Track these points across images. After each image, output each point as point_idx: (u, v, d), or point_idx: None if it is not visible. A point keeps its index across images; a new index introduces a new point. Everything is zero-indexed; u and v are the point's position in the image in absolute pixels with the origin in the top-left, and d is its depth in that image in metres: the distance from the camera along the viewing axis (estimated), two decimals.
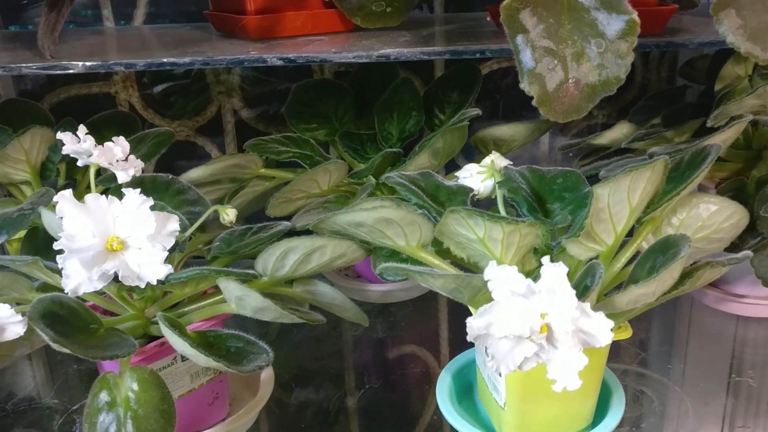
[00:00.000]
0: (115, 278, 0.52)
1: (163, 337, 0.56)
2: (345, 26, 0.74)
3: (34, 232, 0.68)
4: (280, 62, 0.61)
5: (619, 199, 0.52)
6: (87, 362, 0.76)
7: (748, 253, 0.56)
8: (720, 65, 0.77)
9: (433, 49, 0.62)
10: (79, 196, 0.52)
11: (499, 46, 0.62)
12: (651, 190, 0.54)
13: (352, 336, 0.83)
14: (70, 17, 0.92)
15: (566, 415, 0.57)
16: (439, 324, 0.85)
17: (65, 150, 0.59)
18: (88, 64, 0.61)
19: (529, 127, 0.82)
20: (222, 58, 0.62)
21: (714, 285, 0.83)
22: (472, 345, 0.65)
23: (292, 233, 0.60)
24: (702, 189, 0.77)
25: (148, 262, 0.52)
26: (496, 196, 0.58)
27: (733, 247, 0.61)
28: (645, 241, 0.58)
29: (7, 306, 0.51)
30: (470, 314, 0.47)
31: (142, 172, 0.62)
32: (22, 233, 0.68)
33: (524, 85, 0.52)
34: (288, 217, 0.74)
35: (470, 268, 0.56)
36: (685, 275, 0.54)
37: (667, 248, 0.52)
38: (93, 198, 0.52)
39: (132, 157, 0.61)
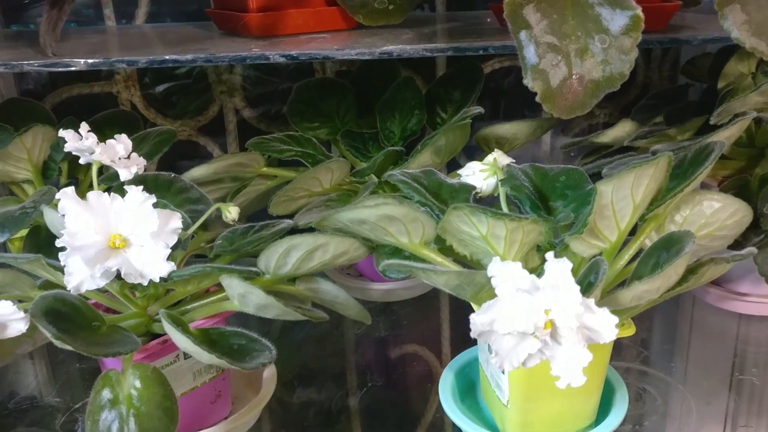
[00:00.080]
0: (118, 276, 0.52)
1: (165, 334, 0.56)
2: (347, 24, 0.74)
3: (36, 230, 0.68)
4: (282, 59, 0.61)
5: (622, 196, 0.52)
6: (89, 361, 0.76)
7: (753, 249, 0.55)
8: (722, 63, 0.77)
9: (435, 46, 0.62)
10: (81, 195, 0.52)
11: (502, 42, 0.62)
12: (654, 187, 0.54)
13: (355, 334, 0.83)
14: (72, 16, 0.92)
15: (570, 412, 0.57)
16: (441, 322, 0.85)
17: (67, 147, 0.59)
18: (90, 61, 0.61)
19: (531, 125, 0.82)
20: (224, 55, 0.62)
21: (716, 283, 0.83)
22: (474, 343, 0.65)
23: (294, 231, 0.60)
24: (705, 187, 0.77)
25: (150, 259, 0.52)
26: (498, 194, 0.58)
27: (737, 244, 0.61)
28: (648, 239, 0.57)
29: (10, 303, 0.51)
30: (472, 312, 0.47)
31: (144, 171, 0.62)
32: (24, 232, 0.68)
33: (528, 81, 0.52)
34: (290, 216, 0.74)
35: (473, 265, 0.56)
36: (689, 271, 0.54)
37: (670, 245, 0.52)
38: (95, 195, 0.52)
39: (134, 154, 0.61)
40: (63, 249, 0.50)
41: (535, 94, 0.53)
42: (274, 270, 0.58)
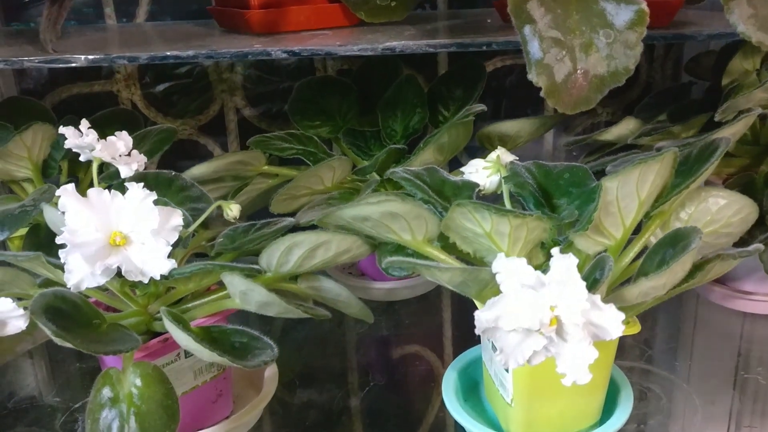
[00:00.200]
0: (118, 273, 0.51)
1: (166, 333, 0.56)
2: (349, 21, 0.73)
3: (36, 229, 0.68)
4: (284, 55, 0.60)
5: (628, 192, 0.52)
6: (89, 360, 0.75)
7: (760, 245, 0.55)
8: (726, 61, 0.77)
9: (439, 42, 0.62)
10: (82, 193, 0.51)
11: (506, 38, 0.62)
12: (660, 184, 0.54)
13: (357, 334, 0.82)
14: (72, 15, 0.92)
15: (574, 411, 0.57)
16: (444, 322, 0.84)
17: (68, 144, 0.59)
18: (90, 57, 0.61)
19: (534, 122, 0.81)
20: (226, 51, 0.61)
21: (721, 282, 0.82)
22: (477, 342, 0.64)
23: (296, 229, 0.60)
24: (709, 185, 0.77)
25: (151, 257, 0.52)
26: (501, 192, 0.57)
27: (742, 242, 0.61)
28: (653, 236, 0.57)
29: (9, 300, 0.51)
30: (475, 311, 0.46)
31: (145, 169, 0.61)
32: (23, 230, 0.68)
33: (532, 76, 0.51)
34: (292, 214, 0.73)
35: (476, 263, 0.56)
36: (696, 268, 0.53)
37: (677, 241, 0.51)
38: (96, 192, 0.51)
39: (135, 152, 0.61)
40: (63, 246, 0.49)
41: (539, 91, 0.52)
42: (276, 268, 0.58)
